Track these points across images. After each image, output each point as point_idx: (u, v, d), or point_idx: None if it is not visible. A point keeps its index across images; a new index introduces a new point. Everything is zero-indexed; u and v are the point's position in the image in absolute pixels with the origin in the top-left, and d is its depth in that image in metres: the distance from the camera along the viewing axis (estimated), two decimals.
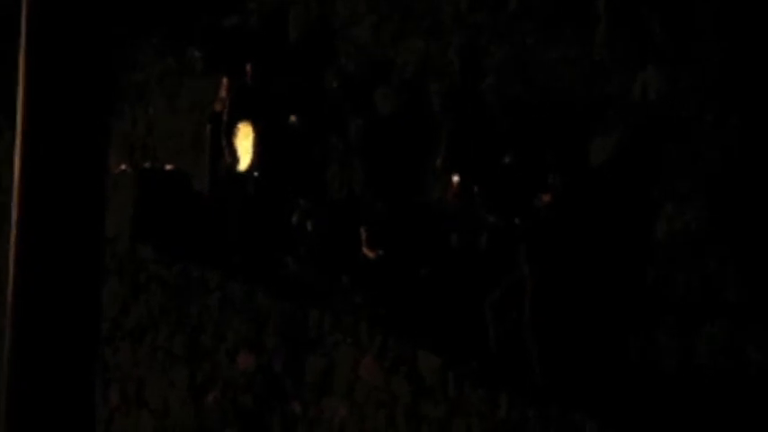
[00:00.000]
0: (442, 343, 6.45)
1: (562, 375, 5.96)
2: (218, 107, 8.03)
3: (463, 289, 6.50)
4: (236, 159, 7.78)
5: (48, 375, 3.84)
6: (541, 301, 6.02)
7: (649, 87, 6.36)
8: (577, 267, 6.05)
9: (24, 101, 3.83)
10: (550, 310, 6.01)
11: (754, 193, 5.94)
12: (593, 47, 6.72)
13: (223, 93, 8.01)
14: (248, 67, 7.86)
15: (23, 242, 3.87)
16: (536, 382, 6.00)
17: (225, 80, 8.02)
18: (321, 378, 6.90)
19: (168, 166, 8.38)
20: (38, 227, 3.85)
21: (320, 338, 6.94)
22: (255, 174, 7.75)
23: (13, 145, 3.87)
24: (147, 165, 8.44)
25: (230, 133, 7.79)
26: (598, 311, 6.07)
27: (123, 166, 8.14)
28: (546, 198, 6.10)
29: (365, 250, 6.93)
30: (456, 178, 6.74)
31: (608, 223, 6.09)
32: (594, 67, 6.72)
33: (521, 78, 7.07)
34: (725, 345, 5.84)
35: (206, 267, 7.67)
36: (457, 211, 6.72)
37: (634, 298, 6.10)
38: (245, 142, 7.77)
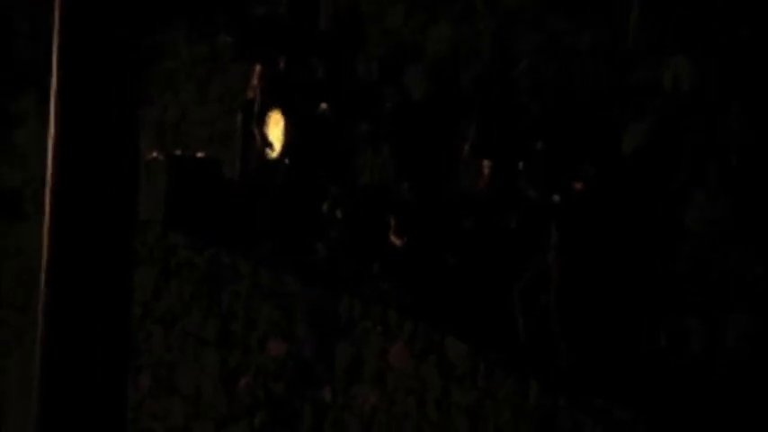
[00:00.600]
0: (471, 330, 6.45)
1: (591, 362, 5.95)
2: (249, 94, 8.05)
3: (493, 276, 6.50)
4: (266, 146, 7.80)
5: (80, 360, 3.87)
6: (570, 287, 6.01)
7: (680, 76, 6.34)
8: (607, 254, 6.04)
9: (57, 89, 3.86)
10: (579, 297, 6.00)
11: None
12: (626, 34, 6.69)
13: (255, 80, 8.02)
14: (279, 55, 7.87)
15: (57, 229, 3.89)
16: (565, 368, 6.00)
17: (257, 67, 8.04)
18: (351, 365, 6.92)
19: (199, 153, 8.41)
20: (71, 213, 3.87)
21: (350, 326, 6.96)
22: (286, 161, 7.77)
23: (39, 132, 3.90)
24: (178, 152, 8.47)
25: (261, 121, 7.81)
26: (627, 298, 6.05)
27: (155, 153, 8.17)
28: (576, 185, 6.09)
29: (394, 237, 6.94)
30: (486, 165, 6.74)
31: (638, 210, 6.07)
32: (626, 55, 6.69)
33: (552, 65, 7.05)
34: (753, 331, 5.82)
35: (237, 254, 7.70)
36: (486, 198, 6.72)
37: (663, 284, 6.08)
38: (275, 129, 7.79)
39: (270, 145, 7.77)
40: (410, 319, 6.64)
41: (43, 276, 3.93)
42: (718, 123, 6.14)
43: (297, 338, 7.25)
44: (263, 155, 7.83)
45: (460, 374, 6.33)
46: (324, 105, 7.74)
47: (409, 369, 6.59)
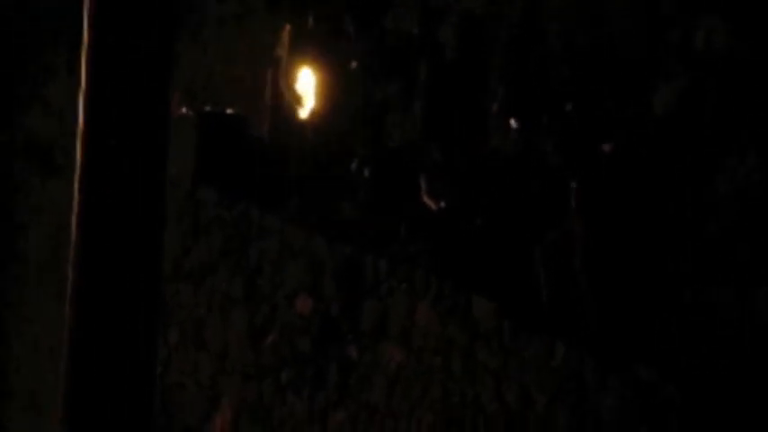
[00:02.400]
0: (497, 290, 6.46)
1: (617, 323, 5.96)
2: (279, 52, 8.05)
3: (519, 236, 6.50)
4: (296, 104, 7.80)
5: (111, 315, 3.90)
6: (597, 249, 6.00)
7: (713, 36, 6.28)
8: (634, 217, 6.03)
9: (88, 44, 3.86)
10: (606, 259, 6.00)
11: None
12: None
13: (284, 37, 8.02)
14: (309, 12, 7.86)
15: (87, 184, 3.91)
16: (590, 329, 6.00)
17: (286, 25, 8.03)
18: (377, 323, 6.94)
19: (229, 110, 8.42)
20: (101, 168, 3.89)
21: (376, 284, 6.97)
22: (315, 119, 7.77)
23: (71, 86, 3.91)
24: (207, 108, 8.49)
25: (291, 78, 7.80)
26: (655, 262, 6.04)
27: (184, 110, 8.19)
28: (606, 147, 6.07)
29: (426, 198, 6.94)
30: (514, 125, 6.72)
31: (668, 173, 6.05)
32: (658, 15, 6.64)
33: (583, 25, 7.01)
34: None
35: (265, 211, 7.72)
36: (514, 159, 6.70)
37: (692, 250, 6.07)
38: (305, 87, 7.79)
39: (300, 102, 7.77)
40: (436, 279, 6.66)
41: (74, 231, 3.95)
42: (752, 86, 6.10)
43: (323, 296, 7.28)
44: (292, 112, 7.84)
45: (486, 334, 6.34)
46: (354, 63, 7.73)
47: (435, 328, 6.61)
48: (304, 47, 7.82)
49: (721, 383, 5.61)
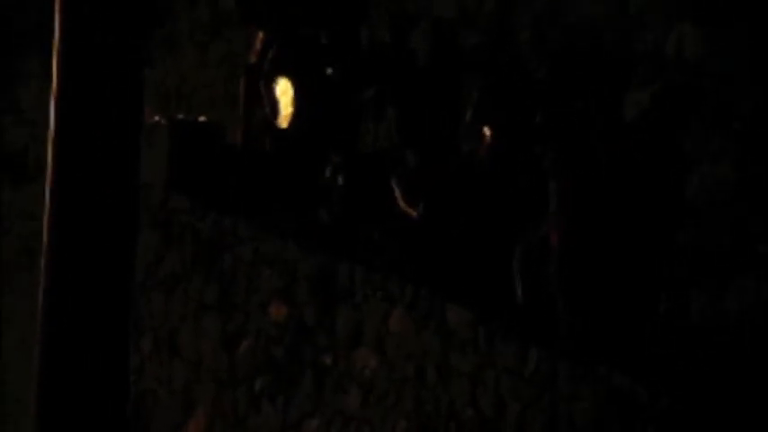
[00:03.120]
0: (472, 297, 6.46)
1: (591, 329, 5.97)
2: (252, 59, 8.04)
3: (494, 243, 6.51)
4: (270, 112, 7.79)
5: (82, 322, 3.88)
6: (571, 254, 6.01)
7: (684, 44, 6.32)
8: (608, 221, 6.04)
9: (59, 50, 3.85)
10: (580, 264, 6.01)
11: None
12: (630, 0, 6.67)
13: (257, 44, 8.01)
14: (283, 20, 7.85)
15: (59, 191, 3.89)
16: (565, 336, 6.01)
17: (259, 33, 8.02)
18: (351, 331, 6.94)
19: (202, 118, 8.41)
20: (73, 175, 3.87)
21: (351, 292, 6.97)
22: (289, 126, 7.76)
23: (43, 91, 3.89)
24: (180, 116, 8.47)
25: (265, 86, 7.80)
26: (628, 265, 6.06)
27: (157, 117, 8.17)
28: (578, 151, 6.08)
29: (399, 204, 6.94)
30: (487, 131, 6.73)
31: (640, 177, 6.07)
32: (630, 21, 6.67)
33: (556, 31, 7.03)
34: (755, 298, 5.83)
35: (239, 219, 7.71)
36: (488, 164, 6.71)
37: (664, 252, 6.09)
38: (279, 95, 7.78)
39: (274, 110, 7.76)
40: (411, 286, 6.66)
41: (45, 237, 3.93)
42: (723, 91, 6.13)
43: (298, 304, 7.26)
44: (266, 120, 7.83)
45: (461, 341, 6.35)
46: (329, 71, 7.73)
47: (409, 335, 6.61)
48: (278, 54, 7.82)
49: (696, 389, 5.63)
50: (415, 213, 6.84)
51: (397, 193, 6.97)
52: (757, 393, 5.56)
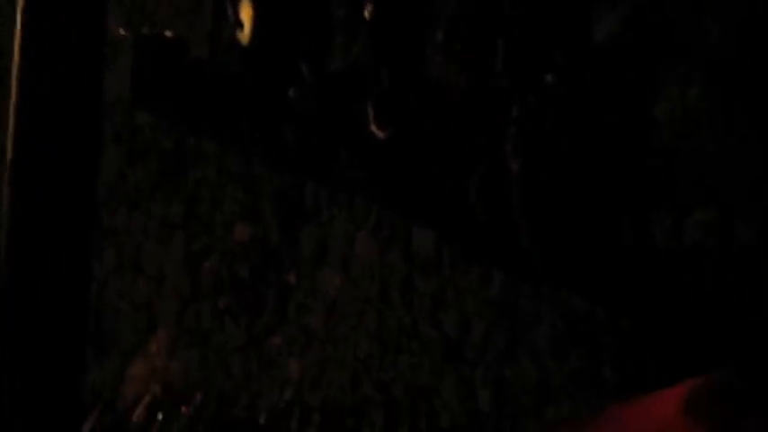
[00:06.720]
0: (436, 219, 6.48)
1: (554, 254, 6.01)
2: None
3: (459, 166, 6.51)
4: (237, 26, 7.71)
5: (46, 236, 3.88)
6: (534, 178, 6.03)
7: None
8: (572, 146, 6.06)
9: None
10: (543, 188, 6.03)
11: (754, 80, 5.92)
12: None
13: None
14: None
15: (21, 106, 3.87)
16: (527, 260, 6.05)
17: None
18: (316, 250, 6.96)
19: (167, 32, 8.31)
20: (36, 90, 3.85)
21: (316, 212, 6.97)
22: (257, 41, 7.69)
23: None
24: (145, 30, 8.37)
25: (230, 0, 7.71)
26: (592, 191, 6.09)
27: (122, 31, 8.08)
28: (545, 75, 6.07)
29: (373, 126, 6.91)
30: (456, 52, 6.70)
31: (606, 101, 6.07)
32: None
33: None
34: (716, 225, 5.87)
35: (204, 136, 7.68)
36: (454, 87, 6.69)
37: (629, 176, 6.11)
38: (248, 8, 7.69)
39: (240, 24, 7.68)
40: (376, 207, 6.67)
41: (9, 154, 3.92)
42: (693, 13, 6.11)
43: (263, 223, 7.27)
44: (233, 34, 7.74)
45: (424, 262, 6.38)
46: None
47: (374, 256, 6.63)
48: None
49: (655, 310, 5.69)
50: (383, 135, 6.82)
51: (370, 114, 6.95)
52: (714, 311, 5.63)
